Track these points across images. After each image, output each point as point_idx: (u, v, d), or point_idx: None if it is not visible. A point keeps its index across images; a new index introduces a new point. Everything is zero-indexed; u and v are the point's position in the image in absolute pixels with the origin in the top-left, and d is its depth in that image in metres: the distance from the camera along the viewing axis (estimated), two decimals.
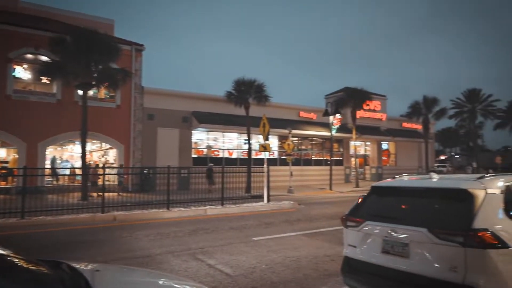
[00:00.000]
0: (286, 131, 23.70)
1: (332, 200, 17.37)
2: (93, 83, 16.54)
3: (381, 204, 4.29)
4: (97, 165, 20.87)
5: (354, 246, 4.14)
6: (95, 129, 19.12)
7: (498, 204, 3.55)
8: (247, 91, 21.58)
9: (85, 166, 16.44)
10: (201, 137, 24.97)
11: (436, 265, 3.36)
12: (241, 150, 25.77)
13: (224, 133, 25.53)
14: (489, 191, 3.58)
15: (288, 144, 22.12)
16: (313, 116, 29.39)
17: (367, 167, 34.27)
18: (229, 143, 26.01)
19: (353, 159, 29.68)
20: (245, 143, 22.78)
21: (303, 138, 29.13)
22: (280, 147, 27.07)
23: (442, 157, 71.71)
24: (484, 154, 51.98)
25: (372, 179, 32.00)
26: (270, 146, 18.68)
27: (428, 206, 3.84)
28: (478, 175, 4.03)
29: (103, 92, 21.20)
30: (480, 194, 3.51)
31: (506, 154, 49.94)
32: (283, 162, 26.22)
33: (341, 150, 31.66)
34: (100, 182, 15.17)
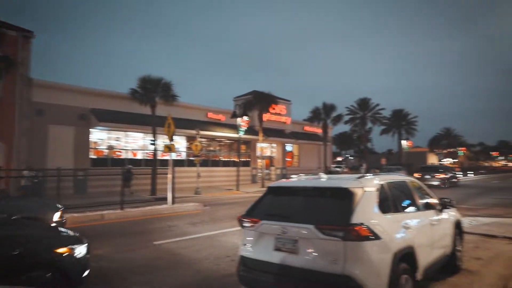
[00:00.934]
0: (194, 131, 23.41)
1: (239, 201, 17.70)
2: None
3: (275, 204, 4.50)
4: None
5: (250, 245, 4.26)
6: None
7: (374, 201, 4.01)
8: (154, 90, 20.71)
9: None
10: (101, 137, 23.16)
11: (321, 259, 3.65)
12: (147, 151, 24.66)
13: (128, 133, 24.12)
14: (366, 189, 4.02)
15: (196, 145, 21.88)
16: (221, 117, 29.60)
17: (272, 168, 35.78)
18: (133, 143, 24.67)
19: (259, 160, 30.71)
20: (151, 144, 21.82)
21: (211, 139, 29.14)
22: (188, 148, 26.64)
23: (339, 159, 78.70)
24: (372, 156, 58.77)
25: (277, 179, 33.53)
26: (177, 147, 18.28)
27: (316, 204, 4.15)
28: (359, 175, 4.51)
29: None
30: (358, 192, 3.92)
31: (389, 156, 57.10)
32: (191, 163, 25.86)
33: (249, 151, 32.52)
34: None
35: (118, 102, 22.66)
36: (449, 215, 5.83)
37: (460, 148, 75.49)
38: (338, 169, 50.90)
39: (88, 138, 21.97)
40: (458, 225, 6.10)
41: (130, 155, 24.15)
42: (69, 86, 21.69)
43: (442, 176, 27.10)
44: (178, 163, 25.80)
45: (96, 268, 5.80)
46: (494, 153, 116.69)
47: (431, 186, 20.33)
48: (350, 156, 79.69)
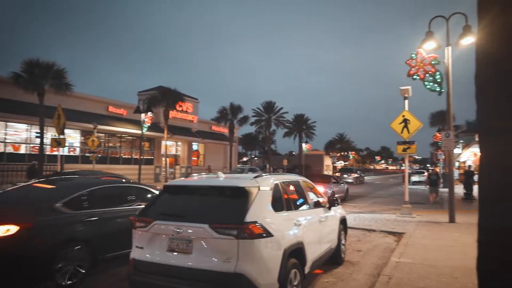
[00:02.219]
0: (91, 125, 21.52)
1: None
2: None
3: (171, 203, 4.34)
4: None
5: (142, 248, 4.02)
6: None
7: (268, 200, 4.14)
8: (43, 76, 18.38)
9: None
10: None
11: (214, 258, 3.62)
12: (32, 145, 21.83)
13: (9, 123, 21.03)
14: (262, 188, 4.13)
15: (92, 140, 20.13)
16: (123, 112, 27.81)
17: (177, 166, 34.95)
18: (15, 135, 21.60)
19: (164, 159, 29.69)
20: (36, 137, 19.34)
21: (111, 134, 27.17)
22: (84, 143, 24.39)
23: (244, 159, 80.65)
24: (275, 157, 61.65)
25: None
26: (70, 141, 16.56)
27: (212, 203, 4.12)
28: (255, 175, 4.61)
29: None
30: (254, 191, 4.01)
31: (290, 158, 60.63)
32: (86, 160, 23.70)
33: (152, 149, 31.18)
34: None
35: None
36: (336, 212, 6.37)
37: (350, 152, 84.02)
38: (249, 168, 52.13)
39: None
40: (343, 222, 6.70)
41: (10, 149, 21.09)
42: None
43: (355, 175, 38.47)
44: (71, 159, 23.44)
45: None
46: (377, 157, 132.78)
47: (348, 183, 25.52)
48: (255, 157, 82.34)
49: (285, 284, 3.81)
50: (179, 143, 35.36)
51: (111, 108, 27.04)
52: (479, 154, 2.48)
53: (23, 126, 21.55)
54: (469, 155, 34.93)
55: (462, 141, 38.02)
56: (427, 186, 18.44)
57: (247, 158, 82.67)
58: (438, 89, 12.28)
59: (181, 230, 3.77)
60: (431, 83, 12.43)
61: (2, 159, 19.44)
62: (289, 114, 54.23)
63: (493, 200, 2.36)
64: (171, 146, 34.04)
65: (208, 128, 38.13)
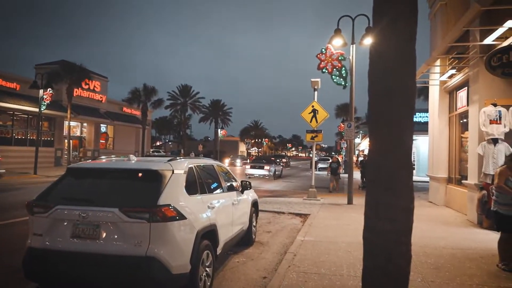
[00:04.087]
0: None
1: (37, 186, 15.16)
2: None
3: (75, 187, 4.05)
4: None
5: (40, 235, 3.69)
6: None
7: (182, 183, 4.13)
8: None
9: None
10: None
11: (125, 243, 3.50)
12: None
13: None
14: (176, 171, 4.09)
15: None
16: (16, 86, 24.54)
17: (82, 149, 32.31)
18: None
19: (66, 141, 27.12)
20: None
21: (1, 111, 23.82)
22: None
23: (158, 143, 77.98)
24: (191, 142, 60.88)
25: None
26: None
27: (123, 186, 3.96)
28: (169, 158, 4.54)
29: None
30: (167, 174, 3.95)
31: (206, 143, 60.42)
32: None
33: (53, 130, 28.20)
34: None
35: None
36: (248, 195, 6.62)
37: (264, 139, 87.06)
38: (156, 153, 50.45)
39: None
40: (255, 204, 6.99)
41: None
42: None
43: (285, 160, 44.24)
44: None
45: None
46: (289, 145, 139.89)
47: (281, 166, 31.41)
48: (169, 141, 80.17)
49: (197, 265, 3.88)
50: (85, 124, 32.64)
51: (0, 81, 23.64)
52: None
53: None
54: (367, 145, 38.97)
55: (362, 131, 42.16)
56: (328, 174, 19.52)
57: (161, 143, 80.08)
58: (343, 83, 13.39)
59: (87, 215, 3.55)
60: (337, 77, 13.49)
61: None
62: (205, 100, 53.87)
63: (372, 180, 2.84)
64: (75, 127, 31.30)
65: (118, 110, 35.82)
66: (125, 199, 3.73)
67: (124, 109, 36.51)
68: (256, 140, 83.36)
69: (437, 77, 11.53)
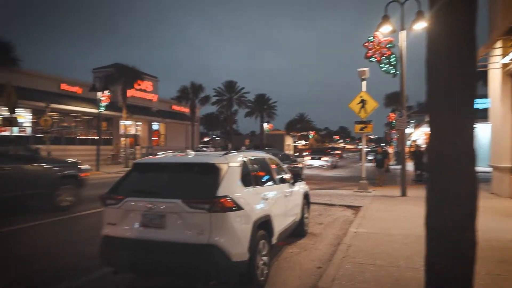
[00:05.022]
0: (43, 104, 20.37)
1: (101, 181, 16.35)
2: None
3: (142, 180, 4.39)
4: None
5: (114, 224, 4.06)
6: None
7: (237, 175, 4.31)
8: None
9: None
10: None
11: (188, 231, 3.76)
12: None
13: None
14: (231, 164, 4.28)
15: (45, 120, 19.13)
16: (77, 90, 26.49)
17: (137, 147, 34.15)
18: None
19: (123, 139, 28.84)
20: None
21: (65, 114, 25.87)
22: (35, 122, 23.07)
23: (206, 139, 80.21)
24: (237, 137, 61.89)
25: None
26: (20, 121, 15.63)
27: (183, 179, 4.23)
28: (224, 152, 4.75)
29: None
30: (224, 167, 4.15)
31: (252, 137, 61.13)
32: (38, 141, 22.48)
33: (110, 129, 30.11)
34: None
35: None
36: (300, 187, 6.69)
37: (310, 132, 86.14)
38: (205, 149, 52.01)
39: None
40: (306, 196, 7.05)
41: None
42: None
43: (338, 152, 43.38)
44: (21, 140, 22.12)
45: None
46: (336, 137, 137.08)
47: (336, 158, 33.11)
48: (217, 137, 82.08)
49: (255, 254, 4.05)
50: (139, 123, 34.43)
51: (63, 86, 25.66)
52: (429, 133, 2.84)
53: None
54: (419, 134, 37.16)
55: (414, 121, 40.29)
56: (374, 166, 18.57)
57: (209, 138, 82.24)
58: (392, 71, 12.92)
59: (154, 206, 3.86)
60: (386, 66, 13.03)
61: None
62: (250, 95, 54.30)
63: (434, 166, 2.79)
64: (130, 126, 33.10)
65: (168, 108, 37.35)
66: (186, 191, 3.99)
67: (173, 107, 37.97)
68: (302, 133, 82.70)
69: (498, 60, 10.74)
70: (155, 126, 36.48)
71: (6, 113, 12.95)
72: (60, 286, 4.40)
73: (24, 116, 22.82)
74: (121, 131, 29.52)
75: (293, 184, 6.25)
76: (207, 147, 57.53)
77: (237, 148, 43.94)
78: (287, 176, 6.21)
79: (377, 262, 4.90)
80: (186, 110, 37.69)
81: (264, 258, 4.36)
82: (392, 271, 4.55)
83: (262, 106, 56.05)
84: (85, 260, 5.20)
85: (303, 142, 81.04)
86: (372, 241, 5.98)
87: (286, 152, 41.55)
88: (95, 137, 26.02)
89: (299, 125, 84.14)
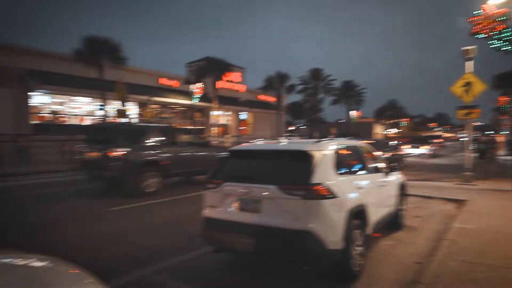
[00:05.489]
0: (145, 97, 22.59)
1: None
2: None
3: (238, 166, 4.60)
4: None
5: (213, 207, 4.35)
6: None
7: (331, 163, 4.24)
8: (101, 51, 19.47)
9: None
10: (44, 101, 21.58)
11: (283, 217, 3.84)
12: (94, 117, 23.44)
13: (73, 97, 22.67)
14: (324, 152, 4.23)
15: (150, 111, 21.21)
16: (174, 83, 28.73)
17: (227, 136, 35.87)
18: (80, 108, 23.31)
19: (214, 128, 30.55)
20: (100, 109, 20.75)
21: (163, 106, 28.33)
22: (140, 114, 25.73)
23: (291, 128, 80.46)
24: (323, 126, 60.81)
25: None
26: (128, 112, 17.62)
27: (277, 166, 4.31)
28: (316, 139, 4.71)
29: None
30: (317, 154, 4.12)
31: (338, 126, 59.50)
32: None
33: (203, 119, 32.13)
34: None
35: (61, 63, 21.01)
36: (395, 178, 6.32)
37: (403, 119, 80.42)
38: (292, 138, 52.27)
39: (27, 102, 20.35)
40: (402, 187, 6.63)
41: (76, 121, 22.85)
42: (5, 45, 19.65)
43: (440, 140, 41.95)
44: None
45: None
46: (432, 124, 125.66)
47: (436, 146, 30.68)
48: (303, 126, 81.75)
49: (349, 243, 3.97)
50: (229, 113, 36.03)
51: (161, 80, 28.03)
52: None
53: (86, 100, 23.14)
54: None
55: None
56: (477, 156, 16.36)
57: (294, 127, 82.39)
58: (507, 47, 11.31)
59: (250, 191, 4.02)
60: (499, 42, 11.46)
61: (67, 131, 21.12)
62: (336, 82, 52.67)
63: None
64: (220, 116, 34.84)
65: (254, 97, 38.31)
66: (281, 177, 4.06)
67: (259, 96, 38.81)
68: (393, 121, 77.65)
69: None
70: (243, 115, 37.79)
71: (116, 107, 14.73)
72: (166, 262, 4.88)
73: (131, 109, 25.62)
74: (212, 121, 31.28)
75: (388, 173, 5.93)
76: (293, 136, 57.77)
77: (324, 137, 43.36)
78: (381, 165, 5.91)
79: (487, 262, 4.41)
80: (272, 99, 38.25)
81: (359, 248, 4.25)
82: (507, 274, 4.05)
83: (349, 93, 53.98)
84: (190, 238, 5.68)
85: (394, 130, 76.17)
86: (481, 239, 5.39)
87: (384, 140, 39.25)
88: (189, 127, 28.03)
89: (389, 112, 79.09)
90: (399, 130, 76.68)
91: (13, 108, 19.55)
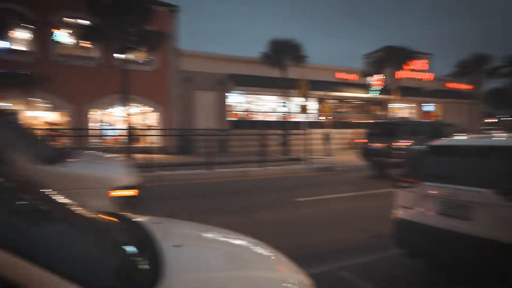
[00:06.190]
0: (322, 93, 23.09)
1: None
2: (131, 46, 16.40)
3: (438, 164, 4.05)
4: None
5: (408, 208, 3.97)
6: (135, 93, 19.19)
7: None
8: (283, 52, 20.96)
9: (130, 128, 16.83)
10: (236, 100, 24.91)
11: (501, 228, 3.15)
12: (277, 113, 25.51)
13: (259, 96, 25.28)
14: None
15: (327, 106, 21.68)
16: (349, 77, 28.27)
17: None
18: (264, 106, 25.82)
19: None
20: (283, 106, 22.50)
21: (340, 100, 28.30)
22: (317, 109, 26.52)
23: (491, 120, 67.37)
24: None
25: None
26: (308, 108, 18.42)
27: (491, 166, 3.56)
28: None
29: (140, 56, 21.21)
30: None
31: None
32: (316, 125, 25.75)
33: (382, 112, 30.47)
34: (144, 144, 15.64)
35: (249, 66, 23.75)
36: None
37: None
38: (493, 131, 43.77)
39: (225, 101, 23.90)
40: None
41: (262, 118, 25.42)
42: (209, 54, 23.66)
43: None
44: (309, 124, 25.99)
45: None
46: None
47: None
48: (507, 117, 67.16)
49: None
50: (413, 105, 33.03)
51: (337, 75, 28.01)
52: None
53: (270, 98, 25.43)
54: None
55: None
56: None
57: (496, 119, 68.56)
58: None
59: (456, 194, 3.47)
60: None
61: (255, 126, 23.67)
62: None
63: None
64: (402, 108, 32.31)
65: (441, 86, 33.73)
66: (497, 179, 3.34)
67: (447, 84, 33.92)
68: None
69: None
70: (429, 107, 33.90)
71: (297, 103, 15.64)
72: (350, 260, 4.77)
73: (309, 104, 26.70)
74: (392, 113, 29.32)
75: None
76: (495, 129, 48.29)
77: None
78: None
79: None
80: (464, 87, 32.88)
81: None
82: None
83: None
84: (371, 238, 5.44)
85: None
86: None
87: None
88: (368, 121, 27.03)
89: None
90: None
91: (216, 107, 23.33)
